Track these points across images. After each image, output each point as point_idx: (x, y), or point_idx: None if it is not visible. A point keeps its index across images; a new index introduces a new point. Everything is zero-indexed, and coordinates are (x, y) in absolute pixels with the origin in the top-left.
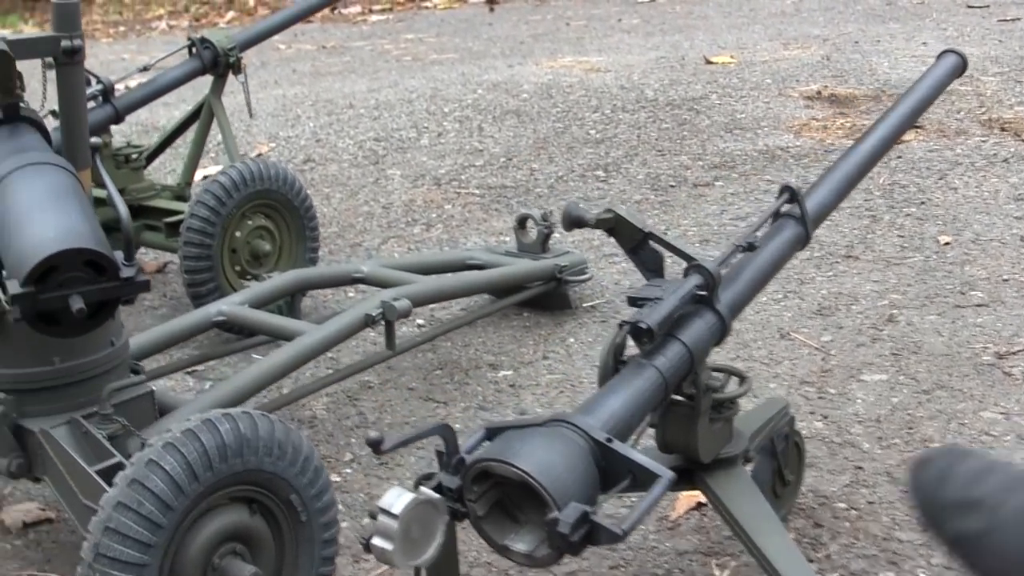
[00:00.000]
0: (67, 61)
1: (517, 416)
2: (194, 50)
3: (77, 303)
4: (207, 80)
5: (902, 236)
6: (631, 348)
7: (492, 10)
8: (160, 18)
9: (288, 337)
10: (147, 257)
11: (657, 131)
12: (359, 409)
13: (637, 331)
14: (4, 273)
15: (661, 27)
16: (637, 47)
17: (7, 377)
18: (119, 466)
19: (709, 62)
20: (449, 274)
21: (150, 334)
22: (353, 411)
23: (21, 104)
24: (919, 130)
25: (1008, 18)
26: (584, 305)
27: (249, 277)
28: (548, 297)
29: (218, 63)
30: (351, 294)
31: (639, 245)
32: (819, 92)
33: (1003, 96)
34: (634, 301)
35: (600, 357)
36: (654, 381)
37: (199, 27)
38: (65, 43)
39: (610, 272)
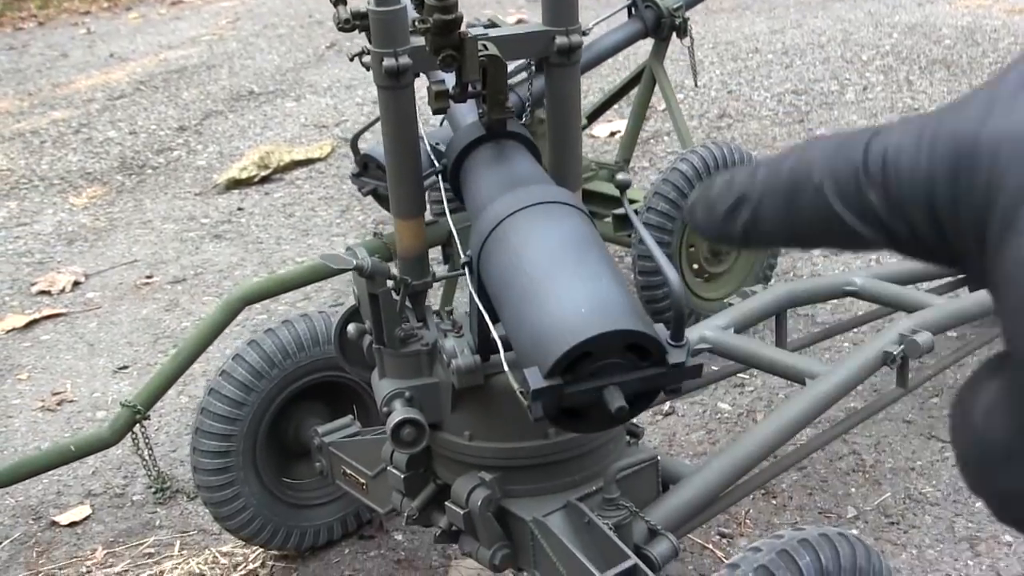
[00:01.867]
0: (561, 62)
1: None
2: (634, 10)
3: (617, 400)
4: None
5: None
6: None
7: None
8: None
9: (795, 378)
10: None
11: None
12: (852, 447)
13: None
14: (509, 355)
15: None
16: None
17: (492, 452)
18: (634, 571)
19: None
20: (966, 297)
21: None
22: (845, 449)
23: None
24: None
25: None
26: None
27: (706, 276)
28: None
29: (661, 25)
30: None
31: None
32: None
33: None
34: None
35: None
36: None
37: None
38: (560, 39)
39: None
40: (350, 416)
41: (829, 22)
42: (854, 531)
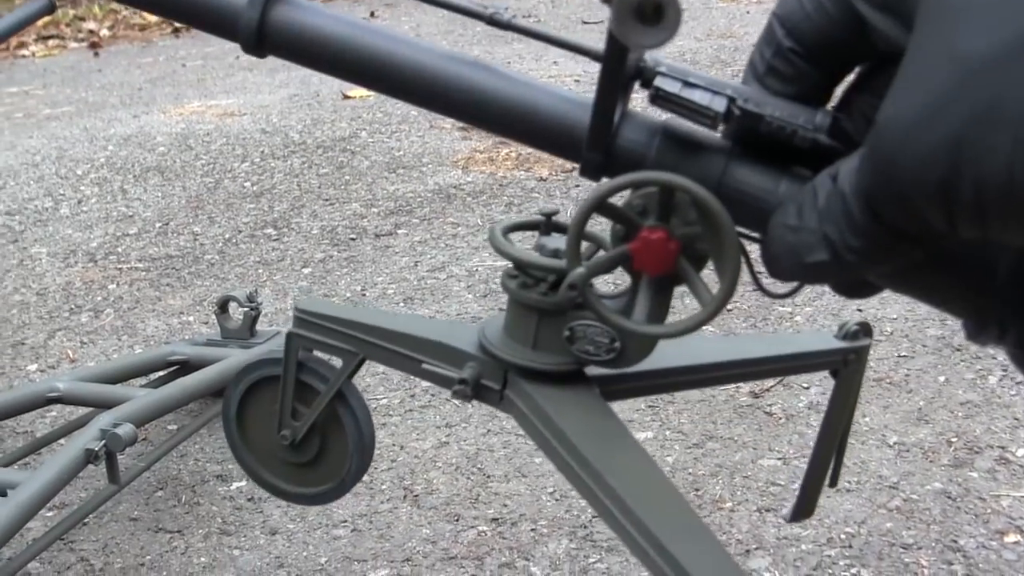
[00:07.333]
0: None
1: None
2: None
3: None
4: None
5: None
6: None
7: (96, 55)
8: None
9: None
10: None
11: (317, 177)
12: (79, 555)
13: None
14: None
15: (285, 63)
16: (265, 86)
17: None
18: None
19: (347, 96)
20: (169, 385)
21: None
22: (73, 557)
23: None
24: None
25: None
26: None
27: None
28: None
29: None
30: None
31: None
32: None
33: None
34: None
35: None
36: None
37: None
38: None
39: None
40: None
41: (44, 141)
42: None
